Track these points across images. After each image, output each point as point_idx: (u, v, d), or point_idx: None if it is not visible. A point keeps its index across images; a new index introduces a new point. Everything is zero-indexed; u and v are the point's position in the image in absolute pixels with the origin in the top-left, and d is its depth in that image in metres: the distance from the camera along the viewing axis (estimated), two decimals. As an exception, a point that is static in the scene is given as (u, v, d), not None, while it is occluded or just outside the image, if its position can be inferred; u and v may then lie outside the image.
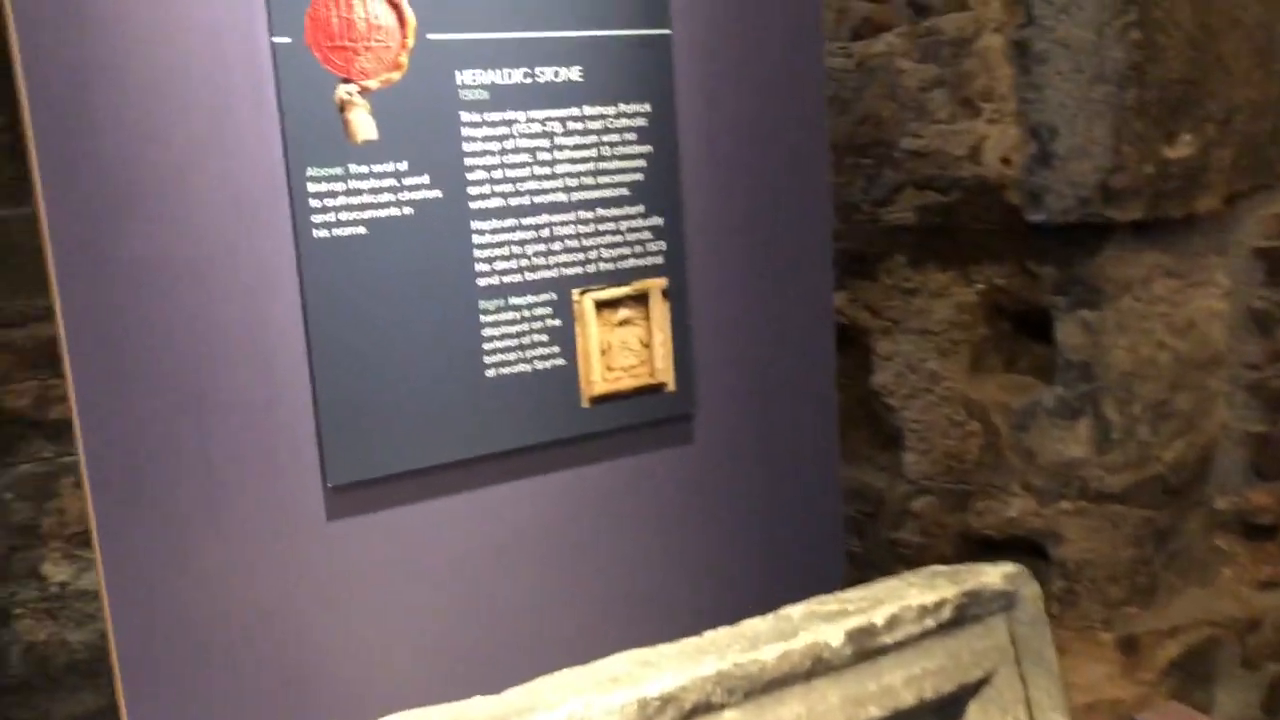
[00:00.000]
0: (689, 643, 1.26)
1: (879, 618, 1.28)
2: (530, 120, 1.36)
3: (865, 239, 2.20)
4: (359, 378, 1.30)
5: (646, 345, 1.47)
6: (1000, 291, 2.03)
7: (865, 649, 1.27)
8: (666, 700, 1.15)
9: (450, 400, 1.35)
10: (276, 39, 1.21)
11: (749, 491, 1.60)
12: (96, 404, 1.17)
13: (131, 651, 1.22)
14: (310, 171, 1.24)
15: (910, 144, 2.06)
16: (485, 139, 1.34)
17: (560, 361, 1.42)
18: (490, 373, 1.37)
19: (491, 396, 1.38)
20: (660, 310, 1.47)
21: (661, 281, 1.47)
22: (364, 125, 1.26)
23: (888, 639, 1.29)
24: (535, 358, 1.40)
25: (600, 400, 1.45)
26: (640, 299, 1.46)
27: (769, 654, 1.21)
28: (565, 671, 1.21)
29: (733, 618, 1.31)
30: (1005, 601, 1.39)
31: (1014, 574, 1.40)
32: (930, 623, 1.32)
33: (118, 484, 1.19)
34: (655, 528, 1.53)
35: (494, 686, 1.19)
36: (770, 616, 1.31)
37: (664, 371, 1.49)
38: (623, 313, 1.45)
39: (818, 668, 1.24)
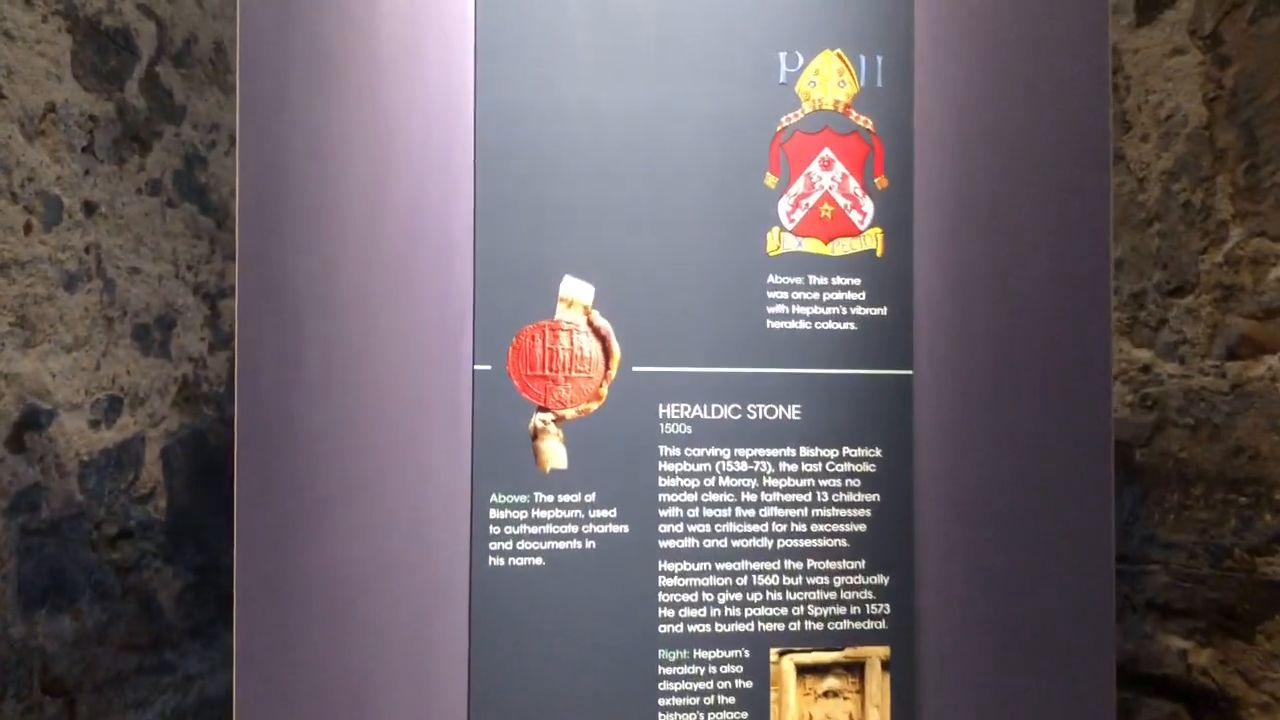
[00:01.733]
0: None
1: None
2: (736, 458, 1.25)
3: (1238, 591, 1.80)
4: (516, 712, 1.22)
5: (857, 724, 1.25)
6: None
7: None
8: None
9: (615, 756, 1.23)
10: (478, 366, 1.22)
11: None
12: (254, 699, 1.19)
13: None
14: (494, 498, 1.22)
15: (1296, 486, 1.67)
16: (683, 475, 1.24)
17: (748, 730, 1.24)
18: (664, 732, 1.23)
19: (663, 761, 1.23)
20: (879, 684, 1.25)
21: (882, 650, 1.26)
22: (554, 454, 1.23)
23: None
24: (719, 722, 1.24)
25: (794, 783, 1.25)
26: (853, 668, 1.25)
27: None
28: None
29: None
30: None
31: None
32: None
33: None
34: None
35: None
36: None
37: (878, 759, 1.25)
38: (830, 681, 1.25)
39: None
